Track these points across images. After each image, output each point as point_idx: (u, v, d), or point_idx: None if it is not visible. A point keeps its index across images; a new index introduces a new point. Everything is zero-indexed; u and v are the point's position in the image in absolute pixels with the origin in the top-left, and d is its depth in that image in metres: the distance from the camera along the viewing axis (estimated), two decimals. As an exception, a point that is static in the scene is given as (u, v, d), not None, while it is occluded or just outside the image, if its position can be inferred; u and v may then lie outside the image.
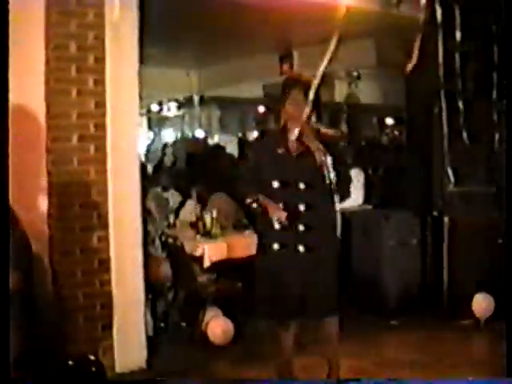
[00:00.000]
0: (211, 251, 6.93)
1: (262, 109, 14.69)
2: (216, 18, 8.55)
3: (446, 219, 7.73)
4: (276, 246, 4.79)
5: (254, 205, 4.83)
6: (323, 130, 4.92)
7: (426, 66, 7.23)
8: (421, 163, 8.21)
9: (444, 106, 7.03)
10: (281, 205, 4.74)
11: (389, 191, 8.79)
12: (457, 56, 7.06)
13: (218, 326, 6.57)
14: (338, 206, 7.28)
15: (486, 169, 7.54)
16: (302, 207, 4.75)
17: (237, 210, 7.99)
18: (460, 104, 7.17)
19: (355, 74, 11.19)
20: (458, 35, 7.07)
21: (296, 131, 4.71)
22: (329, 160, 4.68)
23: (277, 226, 4.76)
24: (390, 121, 15.04)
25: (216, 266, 6.98)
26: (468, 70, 7.37)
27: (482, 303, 7.32)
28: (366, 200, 8.85)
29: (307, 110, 4.76)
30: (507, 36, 6.31)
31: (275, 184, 4.80)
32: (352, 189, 5.08)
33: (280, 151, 4.82)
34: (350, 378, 5.22)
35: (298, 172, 4.80)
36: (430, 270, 8.02)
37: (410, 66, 6.32)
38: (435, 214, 7.97)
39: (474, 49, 7.28)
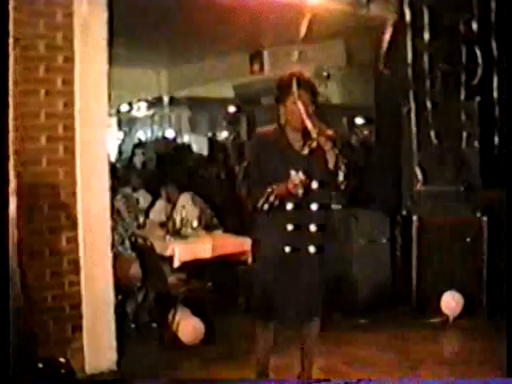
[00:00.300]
0: (181, 251, 6.93)
1: (232, 109, 14.68)
2: (186, 17, 8.55)
3: (414, 218, 7.78)
4: (286, 248, 4.64)
5: (271, 198, 4.54)
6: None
7: (395, 67, 7.30)
8: (390, 163, 8.26)
9: (413, 105, 7.08)
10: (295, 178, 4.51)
11: (358, 191, 8.82)
12: (425, 56, 7.11)
13: (188, 326, 6.57)
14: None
15: (454, 168, 7.60)
16: (314, 207, 4.65)
17: (207, 209, 8.00)
18: (428, 104, 7.23)
19: (325, 74, 11.21)
20: (427, 36, 7.11)
21: (315, 130, 4.50)
22: (340, 159, 4.58)
23: (290, 227, 4.61)
24: (359, 121, 15.11)
25: (186, 265, 6.98)
26: (436, 71, 7.42)
27: (450, 301, 7.37)
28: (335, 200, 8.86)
29: (312, 108, 4.63)
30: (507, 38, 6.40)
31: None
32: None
33: (290, 150, 4.67)
34: (321, 378, 5.23)
35: (309, 171, 4.60)
36: (399, 268, 8.07)
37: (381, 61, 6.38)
38: (404, 213, 8.02)
39: (442, 49, 7.33)
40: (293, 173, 4.50)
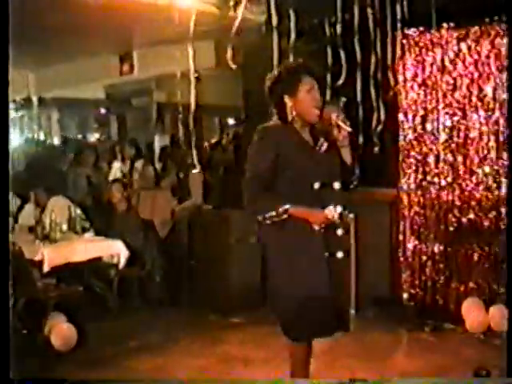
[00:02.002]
0: (51, 255, 6.84)
1: (103, 110, 14.57)
2: (54, 16, 8.41)
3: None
4: (315, 253, 4.09)
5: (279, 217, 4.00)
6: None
7: (261, 67, 7.40)
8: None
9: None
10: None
11: (228, 191, 8.89)
12: (291, 57, 7.25)
13: (60, 332, 6.47)
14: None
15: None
16: (339, 209, 4.07)
17: (77, 212, 7.93)
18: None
19: (195, 75, 11.24)
20: (292, 37, 7.26)
21: (345, 127, 4.09)
22: (355, 156, 4.26)
23: (317, 228, 4.06)
24: (231, 121, 15.27)
25: (57, 270, 6.89)
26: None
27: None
28: (206, 200, 8.89)
29: (321, 100, 4.17)
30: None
31: (316, 185, 4.10)
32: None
33: (309, 148, 4.17)
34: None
35: (329, 170, 4.17)
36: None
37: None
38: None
39: (308, 51, 7.49)
40: (330, 207, 4.03)
